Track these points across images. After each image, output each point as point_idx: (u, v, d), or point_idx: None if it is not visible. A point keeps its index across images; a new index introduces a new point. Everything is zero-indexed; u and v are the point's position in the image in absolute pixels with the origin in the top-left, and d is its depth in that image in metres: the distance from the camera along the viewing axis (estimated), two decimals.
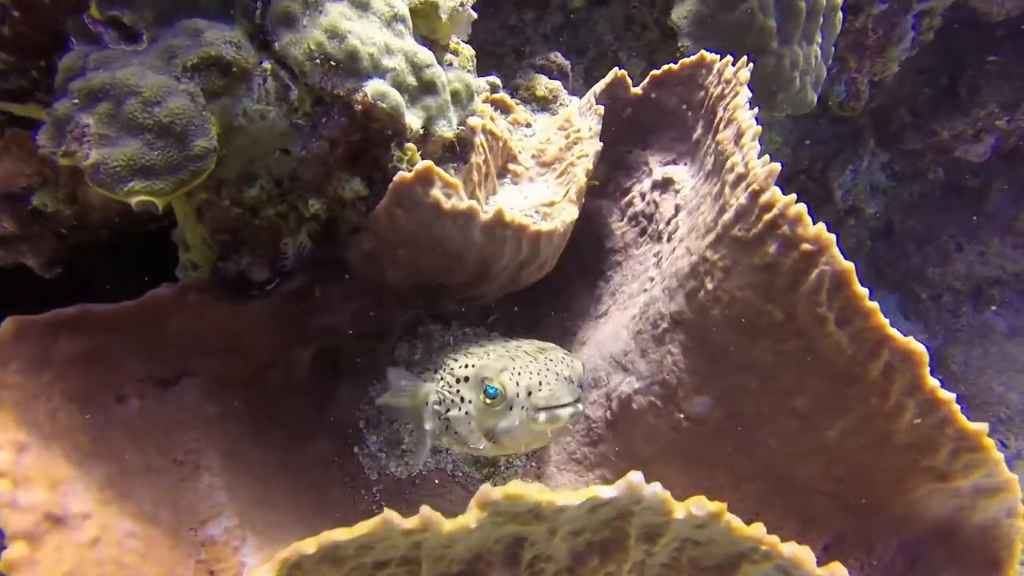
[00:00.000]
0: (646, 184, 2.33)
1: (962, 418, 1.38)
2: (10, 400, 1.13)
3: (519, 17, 2.92)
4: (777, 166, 1.44)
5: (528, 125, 2.22)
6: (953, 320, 5.74)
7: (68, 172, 1.38)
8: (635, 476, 1.06)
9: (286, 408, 2.10)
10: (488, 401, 1.47)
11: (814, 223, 1.35)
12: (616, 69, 2.22)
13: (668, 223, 2.17)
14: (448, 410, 1.58)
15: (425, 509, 0.97)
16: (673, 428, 1.82)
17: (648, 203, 2.31)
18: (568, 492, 1.07)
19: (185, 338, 1.64)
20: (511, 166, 2.10)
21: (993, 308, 5.81)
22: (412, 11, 1.55)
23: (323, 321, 1.87)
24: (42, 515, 1.03)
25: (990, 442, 1.41)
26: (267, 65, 1.33)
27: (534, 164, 2.13)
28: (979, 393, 5.45)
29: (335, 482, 2.12)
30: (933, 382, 1.35)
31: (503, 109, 2.18)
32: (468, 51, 1.95)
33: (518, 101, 2.35)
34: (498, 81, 2.22)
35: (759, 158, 1.51)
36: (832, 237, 1.33)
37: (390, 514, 0.95)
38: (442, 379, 1.64)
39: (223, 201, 1.47)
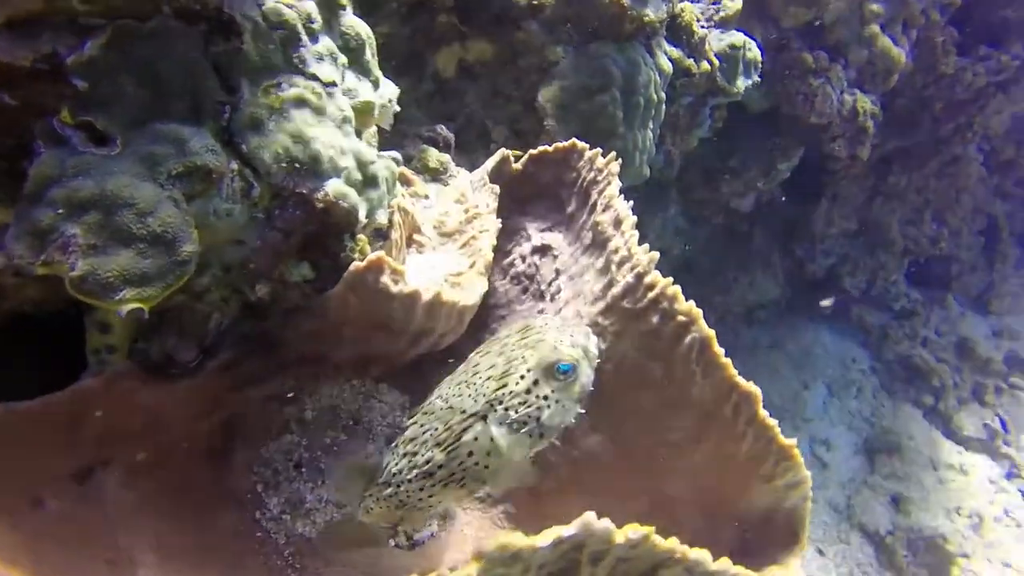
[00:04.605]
0: (526, 248, 2.68)
1: (781, 437, 1.91)
2: None
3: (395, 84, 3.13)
4: (656, 254, 1.87)
5: (426, 196, 2.44)
6: (734, 338, 7.05)
7: None
8: (589, 515, 1.35)
9: (189, 483, 2.04)
10: (565, 376, 1.57)
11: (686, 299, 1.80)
12: (504, 150, 2.54)
13: (550, 284, 2.54)
14: (539, 419, 1.59)
15: (443, 570, 1.16)
16: (571, 463, 2.16)
17: (529, 265, 2.65)
18: (538, 535, 1.33)
19: (105, 428, 1.56)
20: (416, 236, 2.30)
21: (758, 327, 7.26)
22: (352, 108, 1.72)
23: (246, 394, 1.89)
24: None
25: (797, 452, 1.97)
26: (235, 166, 1.41)
27: (435, 235, 2.36)
28: None
29: (247, 552, 2.10)
30: (764, 413, 1.87)
31: (405, 182, 2.38)
32: (373, 129, 2.13)
33: (413, 172, 2.56)
34: (399, 156, 2.41)
35: (639, 245, 1.94)
36: (699, 311, 1.78)
37: None
38: (504, 410, 1.60)
39: None
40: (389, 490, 1.76)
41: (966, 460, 6.31)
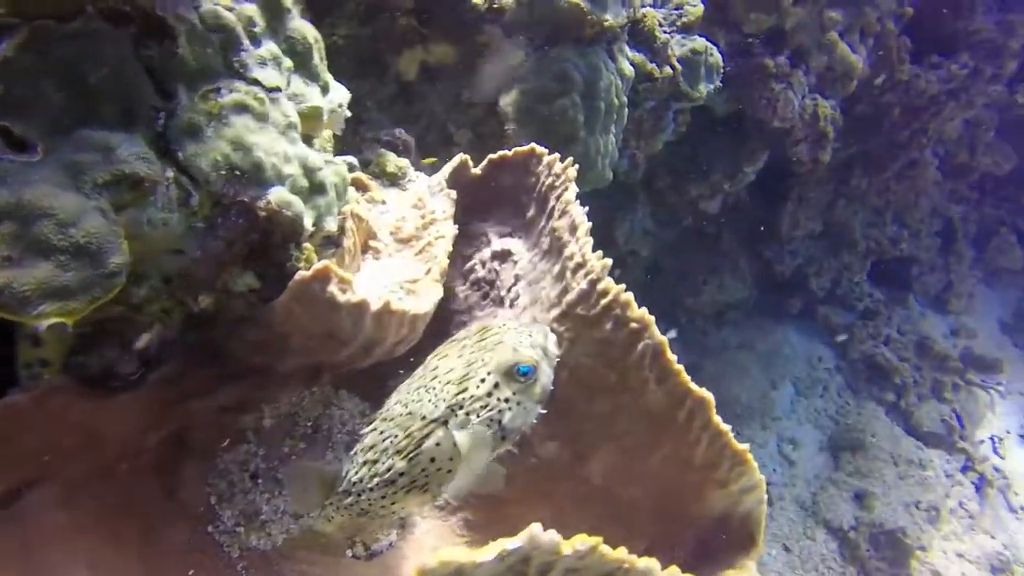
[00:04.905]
0: (486, 253, 2.67)
1: (734, 442, 1.93)
2: None
3: (356, 86, 3.08)
4: (609, 261, 1.87)
5: (383, 202, 2.41)
6: (703, 338, 7.14)
7: None
8: (535, 527, 1.34)
9: (136, 498, 1.98)
10: (525, 378, 1.56)
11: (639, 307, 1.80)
12: (461, 155, 2.52)
13: (509, 290, 2.52)
14: (501, 421, 1.58)
15: None
16: (528, 470, 2.15)
17: (489, 271, 2.64)
18: (483, 548, 1.31)
19: (36, 446, 1.50)
20: (371, 243, 2.27)
21: (728, 328, 7.36)
22: (299, 114, 1.68)
23: (193, 405, 1.84)
24: None
25: (751, 456, 1.99)
26: (170, 174, 1.36)
27: (392, 241, 2.33)
28: (722, 396, 6.81)
29: (197, 567, 2.04)
30: (717, 419, 1.88)
31: (361, 187, 2.34)
32: (327, 133, 2.09)
33: (370, 176, 2.52)
34: (355, 161, 2.37)
35: (593, 252, 1.93)
36: (651, 318, 1.78)
37: None
38: (465, 415, 1.59)
39: None
40: (350, 499, 1.74)
41: (925, 455, 6.48)
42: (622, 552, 1.45)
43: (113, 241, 1.19)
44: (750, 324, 7.73)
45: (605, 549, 1.42)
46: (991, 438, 6.92)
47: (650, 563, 1.46)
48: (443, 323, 2.71)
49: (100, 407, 1.62)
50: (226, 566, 2.13)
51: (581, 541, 1.39)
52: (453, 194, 2.37)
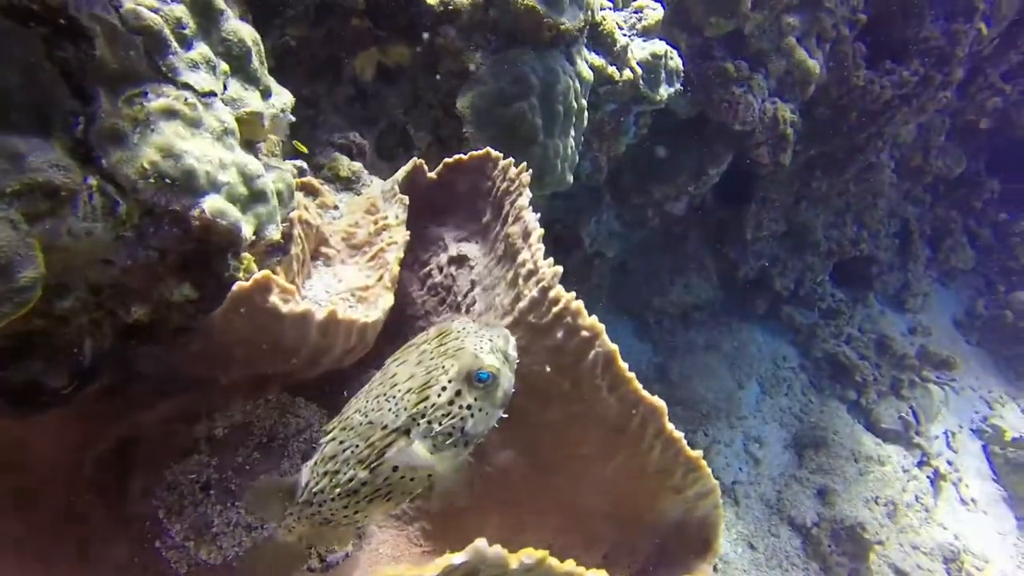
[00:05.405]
0: (443, 258, 2.63)
1: (688, 449, 1.93)
2: None
3: (312, 89, 3.02)
4: (560, 268, 1.85)
5: (335, 207, 2.35)
6: (671, 339, 7.20)
7: None
8: (480, 543, 1.31)
9: (72, 516, 1.89)
10: (485, 384, 1.54)
11: (589, 315, 1.79)
12: (415, 159, 2.48)
13: (465, 296, 2.49)
14: (464, 428, 1.57)
15: None
16: (484, 480, 2.12)
17: (446, 276, 2.60)
18: (428, 565, 1.28)
19: None
20: (323, 249, 2.22)
21: (694, 328, 7.44)
22: (237, 119, 1.62)
23: (137, 418, 1.76)
24: None
25: (704, 462, 1.99)
26: (93, 182, 1.30)
27: (344, 247, 2.28)
28: (689, 396, 6.92)
29: None
30: (670, 426, 1.87)
31: (311, 192, 2.29)
32: (273, 137, 2.03)
33: (322, 181, 2.47)
34: (304, 165, 2.32)
35: (545, 259, 1.91)
36: (602, 326, 1.77)
37: None
38: (428, 423, 1.58)
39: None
40: (311, 509, 1.71)
41: (883, 451, 6.64)
42: (571, 564, 1.43)
43: (25, 253, 1.12)
44: (716, 324, 7.83)
45: (553, 562, 1.40)
46: (944, 433, 7.14)
47: (599, 574, 1.45)
48: (400, 328, 2.67)
49: (25, 423, 1.54)
50: None
51: (527, 555, 1.37)
52: (406, 199, 2.33)
